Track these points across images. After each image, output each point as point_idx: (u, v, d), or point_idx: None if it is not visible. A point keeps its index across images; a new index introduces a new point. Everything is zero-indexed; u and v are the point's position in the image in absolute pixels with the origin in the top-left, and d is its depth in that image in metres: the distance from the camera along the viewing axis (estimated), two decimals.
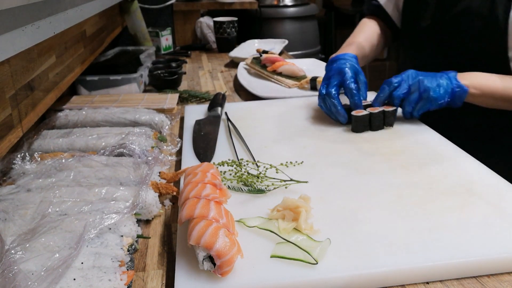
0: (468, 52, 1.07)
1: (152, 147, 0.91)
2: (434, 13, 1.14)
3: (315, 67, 1.59)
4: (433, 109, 0.99)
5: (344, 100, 1.05)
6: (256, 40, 2.12)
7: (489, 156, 0.93)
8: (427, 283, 0.58)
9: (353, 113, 1.00)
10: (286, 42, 2.06)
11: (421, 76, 0.99)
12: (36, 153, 0.86)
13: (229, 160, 0.85)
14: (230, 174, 0.82)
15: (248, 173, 0.80)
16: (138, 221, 0.70)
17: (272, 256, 0.59)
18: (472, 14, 1.05)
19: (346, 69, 1.05)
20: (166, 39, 2.04)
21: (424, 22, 1.16)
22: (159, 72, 1.46)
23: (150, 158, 0.82)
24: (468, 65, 1.04)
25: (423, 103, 0.98)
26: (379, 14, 1.33)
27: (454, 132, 1.01)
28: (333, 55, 1.15)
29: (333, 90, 1.04)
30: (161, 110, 1.14)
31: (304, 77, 1.42)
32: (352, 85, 1.03)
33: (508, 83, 0.97)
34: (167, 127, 1.05)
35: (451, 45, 1.11)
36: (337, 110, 1.03)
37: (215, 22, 2.06)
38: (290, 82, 1.42)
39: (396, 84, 1.01)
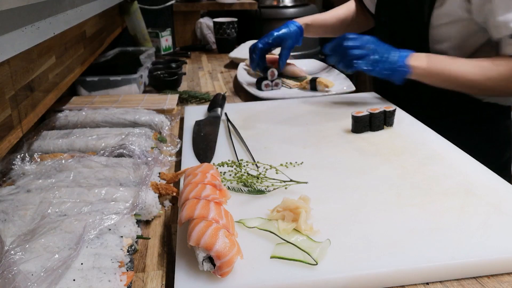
0: (409, 45, 1.11)
1: (152, 148, 0.91)
2: (389, 9, 1.24)
3: (314, 68, 1.59)
4: (371, 74, 1.07)
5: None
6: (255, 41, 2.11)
7: (444, 132, 0.99)
8: (427, 283, 0.58)
9: (353, 113, 1.00)
10: None
11: (375, 45, 1.06)
12: (36, 153, 0.85)
13: (229, 160, 0.85)
14: (230, 175, 0.82)
15: (248, 173, 0.80)
16: (138, 222, 0.70)
17: (272, 257, 0.59)
18: (408, 11, 1.15)
19: (274, 33, 1.31)
20: (166, 40, 2.04)
21: (382, 17, 1.27)
22: (159, 72, 1.46)
23: (150, 158, 0.82)
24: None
25: (364, 63, 1.05)
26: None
27: (412, 105, 1.11)
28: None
29: (259, 44, 1.31)
30: (161, 111, 1.14)
31: (304, 77, 1.42)
32: (259, 45, 1.32)
33: (450, 67, 1.02)
34: (167, 127, 1.05)
35: (396, 39, 1.17)
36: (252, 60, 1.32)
37: (215, 22, 2.06)
38: (291, 82, 1.42)
39: (352, 43, 1.07)
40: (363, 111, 1.01)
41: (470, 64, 1.01)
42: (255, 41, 2.09)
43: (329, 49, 1.12)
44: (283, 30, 1.33)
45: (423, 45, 1.12)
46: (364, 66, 1.05)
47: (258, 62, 1.35)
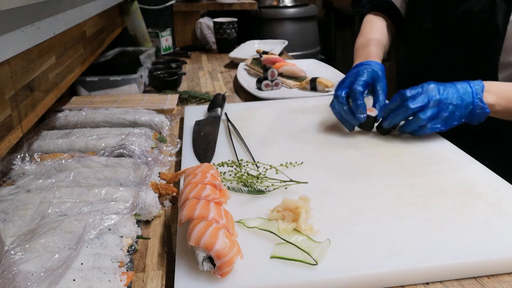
0: (464, 54, 1.05)
1: (152, 148, 0.91)
2: (435, 14, 1.12)
3: (314, 68, 1.59)
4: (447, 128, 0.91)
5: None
6: (256, 41, 2.12)
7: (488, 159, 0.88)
8: (427, 283, 0.58)
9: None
10: (286, 42, 2.07)
11: (441, 95, 0.89)
12: (36, 153, 0.85)
13: (229, 160, 0.85)
14: (230, 175, 0.82)
15: (248, 173, 0.80)
16: (138, 222, 0.70)
17: (272, 257, 0.59)
18: (472, 17, 1.03)
19: (363, 72, 0.98)
20: (166, 40, 2.04)
21: (425, 22, 1.14)
22: (159, 72, 1.46)
23: (150, 158, 0.82)
24: (464, 68, 1.03)
25: (439, 120, 0.89)
26: (385, 9, 1.29)
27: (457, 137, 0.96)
28: (358, 62, 1.08)
29: (342, 92, 0.97)
30: (161, 111, 1.14)
31: (304, 77, 1.42)
32: (359, 88, 0.95)
33: None
34: (167, 127, 1.05)
35: (450, 47, 1.10)
36: (344, 113, 0.96)
37: (215, 22, 2.06)
38: (291, 82, 1.42)
39: (410, 96, 0.90)
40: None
41: None
42: (255, 41, 2.12)
43: (386, 111, 0.95)
44: (369, 69, 1.00)
45: (495, 58, 1.00)
46: (439, 125, 0.91)
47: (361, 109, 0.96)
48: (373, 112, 0.97)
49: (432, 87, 0.90)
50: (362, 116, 0.94)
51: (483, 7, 1.02)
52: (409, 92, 0.91)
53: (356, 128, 1.00)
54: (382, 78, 1.00)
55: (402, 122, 0.95)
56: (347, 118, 0.97)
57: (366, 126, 0.99)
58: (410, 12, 1.22)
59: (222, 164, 0.84)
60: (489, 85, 0.91)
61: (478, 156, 0.88)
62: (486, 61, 1.02)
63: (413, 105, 0.89)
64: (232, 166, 0.83)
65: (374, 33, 1.22)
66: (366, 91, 0.98)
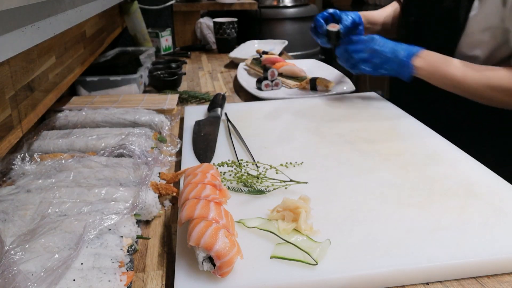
0: (431, 47, 1.11)
1: (152, 148, 0.91)
2: (419, 9, 1.21)
3: (314, 68, 1.59)
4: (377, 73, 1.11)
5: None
6: (256, 41, 2.12)
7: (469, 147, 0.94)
8: (427, 283, 0.58)
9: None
10: (286, 42, 2.07)
11: (379, 46, 1.09)
12: (36, 153, 0.85)
13: (229, 160, 0.85)
14: (230, 175, 0.82)
15: (248, 173, 0.80)
16: (138, 222, 0.70)
17: (272, 257, 0.59)
18: (444, 13, 1.12)
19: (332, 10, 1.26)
20: (166, 40, 2.04)
21: (411, 16, 1.24)
22: (159, 72, 1.46)
23: (150, 158, 0.82)
24: None
25: (369, 64, 1.10)
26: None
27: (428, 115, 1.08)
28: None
29: (318, 17, 1.23)
30: (161, 111, 1.14)
31: (304, 77, 1.42)
32: (319, 15, 1.23)
33: (453, 71, 1.02)
34: (167, 127, 1.05)
35: (428, 42, 1.16)
36: (312, 33, 1.23)
37: (215, 22, 2.06)
38: (291, 82, 1.42)
39: (355, 47, 1.12)
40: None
41: (474, 71, 1.01)
42: (255, 41, 2.12)
43: (338, 52, 1.17)
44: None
45: (451, 50, 1.08)
46: (367, 68, 1.11)
47: (320, 25, 1.23)
48: (335, 28, 1.19)
49: (375, 38, 1.11)
50: (321, 31, 1.21)
51: (451, 2, 1.09)
52: (354, 38, 1.14)
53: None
54: (343, 12, 1.24)
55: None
56: (314, 36, 1.25)
57: (331, 40, 1.20)
58: (404, 5, 1.31)
59: (222, 164, 0.84)
60: (425, 53, 1.07)
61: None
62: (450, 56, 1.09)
63: (351, 47, 1.13)
64: (232, 166, 0.83)
65: (373, 12, 1.43)
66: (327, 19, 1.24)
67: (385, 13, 1.43)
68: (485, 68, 1.01)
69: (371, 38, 1.11)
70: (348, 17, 1.22)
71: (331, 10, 1.28)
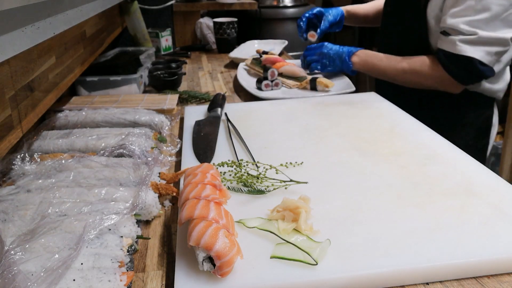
0: (400, 38, 1.36)
1: (152, 148, 0.91)
2: (392, 3, 1.41)
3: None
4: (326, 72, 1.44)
5: None
6: (256, 41, 2.11)
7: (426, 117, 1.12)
8: (427, 283, 0.58)
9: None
10: (286, 42, 2.06)
11: (327, 50, 1.41)
12: (36, 153, 0.85)
13: (229, 160, 0.85)
14: (230, 175, 0.82)
15: (248, 173, 0.80)
16: (138, 222, 0.70)
17: (272, 257, 0.59)
18: (405, 3, 1.33)
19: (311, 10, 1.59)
20: (166, 40, 2.04)
21: (388, 7, 1.44)
22: (159, 72, 1.46)
23: (150, 158, 0.82)
24: (406, 49, 1.31)
25: (319, 64, 1.44)
26: None
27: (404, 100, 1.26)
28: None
29: (303, 20, 1.57)
30: (161, 111, 1.14)
31: (304, 77, 1.42)
32: (301, 18, 1.58)
33: (380, 63, 1.31)
34: (167, 127, 1.05)
35: (391, 31, 1.42)
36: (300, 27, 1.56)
37: (215, 22, 2.06)
38: (291, 82, 1.42)
39: (307, 52, 1.49)
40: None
41: (395, 62, 1.28)
42: (255, 41, 2.12)
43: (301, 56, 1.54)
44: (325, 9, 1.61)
45: (423, 39, 1.27)
46: (318, 66, 1.44)
47: (305, 29, 1.58)
48: (313, 38, 1.55)
49: (325, 45, 1.43)
50: (302, 37, 1.58)
51: None
52: (308, 46, 1.49)
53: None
54: (326, 13, 1.57)
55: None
56: (299, 34, 1.59)
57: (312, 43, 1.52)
58: (385, 1, 1.49)
59: (222, 164, 0.84)
60: (361, 51, 1.37)
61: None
62: (419, 43, 1.29)
63: (305, 52, 1.49)
64: (232, 166, 0.83)
65: (365, 5, 1.68)
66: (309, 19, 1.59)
67: (368, 6, 1.66)
68: (403, 58, 1.27)
69: (321, 45, 1.44)
70: (328, 17, 1.56)
71: (315, 10, 1.58)
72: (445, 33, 1.17)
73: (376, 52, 1.35)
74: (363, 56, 1.35)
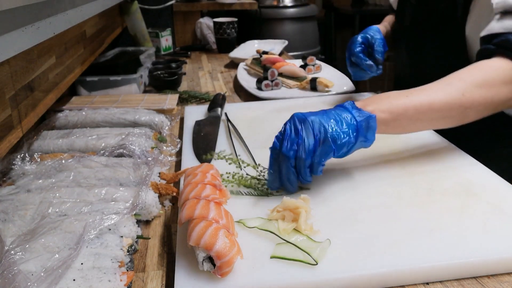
0: (433, 50, 1.11)
1: (152, 148, 0.91)
2: (414, 12, 1.20)
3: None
4: (339, 156, 0.76)
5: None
6: (256, 41, 2.12)
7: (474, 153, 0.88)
8: (427, 283, 0.58)
9: None
10: (286, 42, 2.07)
11: (312, 117, 0.80)
12: (36, 153, 0.85)
13: (228, 161, 0.85)
14: (228, 176, 0.81)
15: (251, 178, 0.80)
16: (138, 222, 0.70)
17: (272, 257, 0.59)
18: (438, 14, 1.10)
19: (357, 36, 1.23)
20: (166, 40, 2.04)
21: (406, 21, 1.23)
22: (159, 72, 1.46)
23: (150, 158, 0.82)
24: (436, 64, 1.10)
25: (322, 149, 0.73)
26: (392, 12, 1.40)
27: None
28: None
29: (356, 50, 1.19)
30: (161, 111, 1.14)
31: (304, 77, 1.42)
32: (356, 48, 1.20)
33: (415, 98, 0.80)
34: (167, 127, 1.05)
35: (422, 44, 1.16)
36: (362, 62, 1.17)
37: (215, 22, 2.06)
38: (291, 82, 1.42)
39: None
40: None
41: (443, 85, 0.82)
42: (255, 41, 2.12)
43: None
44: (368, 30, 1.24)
45: (460, 51, 1.02)
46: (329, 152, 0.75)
47: (363, 59, 1.18)
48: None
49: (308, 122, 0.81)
50: (371, 69, 1.17)
51: (447, 4, 1.06)
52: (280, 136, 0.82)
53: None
54: (375, 34, 1.21)
55: None
56: (350, 68, 1.23)
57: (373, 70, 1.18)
58: (398, 11, 1.30)
59: (223, 158, 0.83)
60: (361, 101, 0.83)
61: (477, 156, 0.89)
62: (455, 60, 0.97)
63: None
64: (231, 163, 0.83)
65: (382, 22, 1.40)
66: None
67: (385, 24, 1.38)
68: (452, 76, 0.84)
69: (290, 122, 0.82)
70: (375, 36, 1.19)
71: (360, 38, 1.20)
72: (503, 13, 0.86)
73: (393, 91, 0.85)
74: (379, 101, 0.80)
